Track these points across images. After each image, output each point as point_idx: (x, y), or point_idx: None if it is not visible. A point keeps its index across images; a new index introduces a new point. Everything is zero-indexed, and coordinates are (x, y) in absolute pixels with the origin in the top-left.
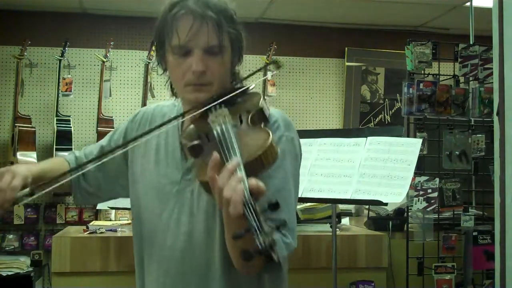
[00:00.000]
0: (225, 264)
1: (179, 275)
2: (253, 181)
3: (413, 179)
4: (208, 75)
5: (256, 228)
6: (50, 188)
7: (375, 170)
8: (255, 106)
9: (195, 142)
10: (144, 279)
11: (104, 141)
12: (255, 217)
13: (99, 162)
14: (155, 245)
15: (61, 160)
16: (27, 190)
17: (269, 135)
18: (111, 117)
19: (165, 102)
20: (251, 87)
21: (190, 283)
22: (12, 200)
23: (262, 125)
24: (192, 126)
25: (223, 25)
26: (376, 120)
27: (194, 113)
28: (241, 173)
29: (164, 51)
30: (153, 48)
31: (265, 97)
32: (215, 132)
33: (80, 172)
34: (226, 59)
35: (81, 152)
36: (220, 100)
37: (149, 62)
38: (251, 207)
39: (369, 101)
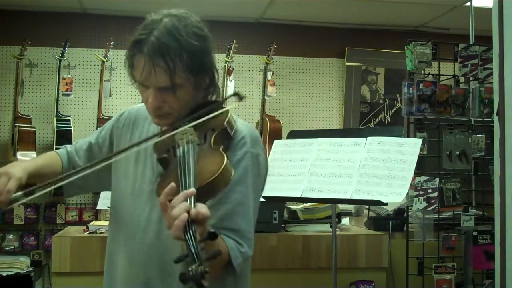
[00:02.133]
0: None
1: (143, 267)
2: (194, 212)
3: (413, 179)
4: (166, 108)
5: (192, 255)
6: (43, 192)
7: (375, 170)
8: (220, 125)
9: (163, 155)
10: (113, 268)
11: (92, 138)
12: (194, 245)
13: (85, 172)
14: (127, 237)
15: (54, 154)
16: (20, 193)
17: (224, 160)
18: (111, 117)
19: None
20: (219, 104)
21: (153, 275)
22: (6, 202)
23: (221, 148)
24: (165, 137)
25: (175, 68)
26: (376, 120)
27: (167, 135)
28: (190, 203)
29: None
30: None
31: (265, 97)
32: (177, 152)
33: (69, 180)
34: (181, 94)
35: (72, 146)
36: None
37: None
38: (191, 234)
39: (369, 101)
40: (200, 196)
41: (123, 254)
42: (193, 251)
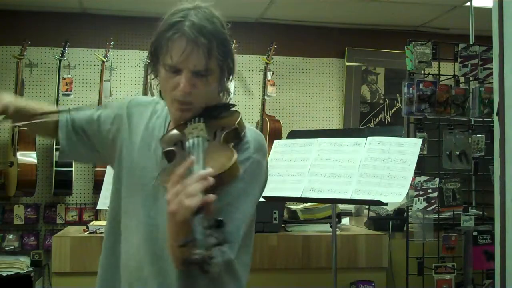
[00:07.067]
0: None
1: (141, 263)
2: (208, 197)
3: (413, 179)
4: (194, 94)
5: (198, 240)
6: (26, 123)
7: (375, 170)
8: (231, 125)
9: (171, 148)
10: (112, 261)
11: (95, 113)
12: (201, 230)
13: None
14: (126, 231)
15: (53, 108)
16: (2, 116)
17: (233, 155)
18: None
19: (160, 100)
20: (232, 107)
21: (150, 271)
22: None
23: (231, 145)
24: (174, 131)
25: (212, 51)
26: (376, 120)
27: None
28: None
29: (157, 64)
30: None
31: (265, 97)
32: (187, 143)
33: (63, 112)
34: (211, 80)
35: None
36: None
37: (149, 62)
38: (200, 220)
39: (369, 101)
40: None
41: (124, 250)
42: (199, 236)
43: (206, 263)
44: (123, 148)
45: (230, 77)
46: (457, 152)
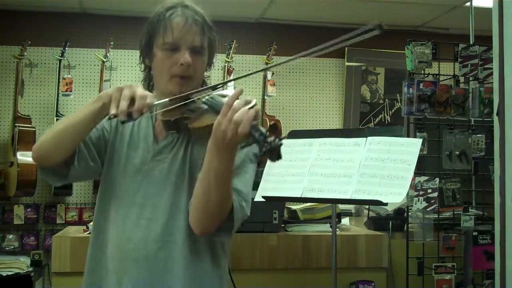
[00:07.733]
0: (187, 230)
1: (142, 242)
2: (255, 108)
3: (413, 179)
4: (192, 69)
5: (263, 138)
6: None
7: (375, 170)
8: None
9: (181, 116)
10: (103, 247)
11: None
12: (263, 132)
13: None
14: (121, 217)
15: None
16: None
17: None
18: None
19: None
20: (219, 86)
21: (153, 248)
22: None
23: None
24: (176, 108)
25: (205, 30)
26: (376, 120)
27: (201, 90)
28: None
29: (152, 48)
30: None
31: (265, 97)
32: (203, 100)
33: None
34: (204, 60)
35: None
36: (205, 88)
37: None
38: (257, 126)
39: (369, 101)
40: None
41: (117, 234)
42: (262, 137)
43: (279, 147)
44: (113, 147)
45: (211, 65)
46: (457, 152)
